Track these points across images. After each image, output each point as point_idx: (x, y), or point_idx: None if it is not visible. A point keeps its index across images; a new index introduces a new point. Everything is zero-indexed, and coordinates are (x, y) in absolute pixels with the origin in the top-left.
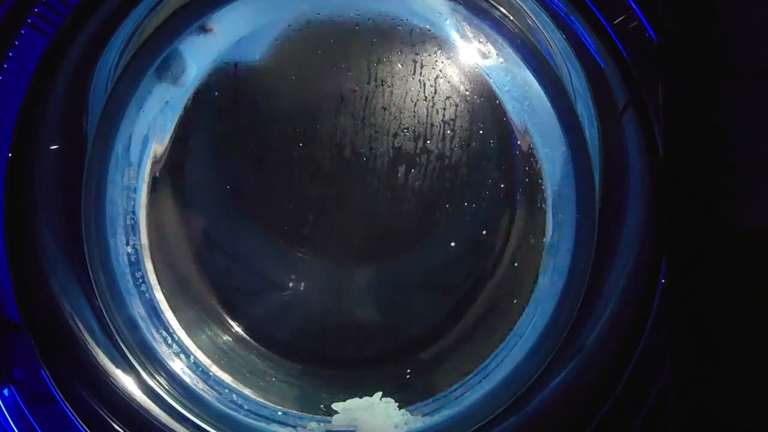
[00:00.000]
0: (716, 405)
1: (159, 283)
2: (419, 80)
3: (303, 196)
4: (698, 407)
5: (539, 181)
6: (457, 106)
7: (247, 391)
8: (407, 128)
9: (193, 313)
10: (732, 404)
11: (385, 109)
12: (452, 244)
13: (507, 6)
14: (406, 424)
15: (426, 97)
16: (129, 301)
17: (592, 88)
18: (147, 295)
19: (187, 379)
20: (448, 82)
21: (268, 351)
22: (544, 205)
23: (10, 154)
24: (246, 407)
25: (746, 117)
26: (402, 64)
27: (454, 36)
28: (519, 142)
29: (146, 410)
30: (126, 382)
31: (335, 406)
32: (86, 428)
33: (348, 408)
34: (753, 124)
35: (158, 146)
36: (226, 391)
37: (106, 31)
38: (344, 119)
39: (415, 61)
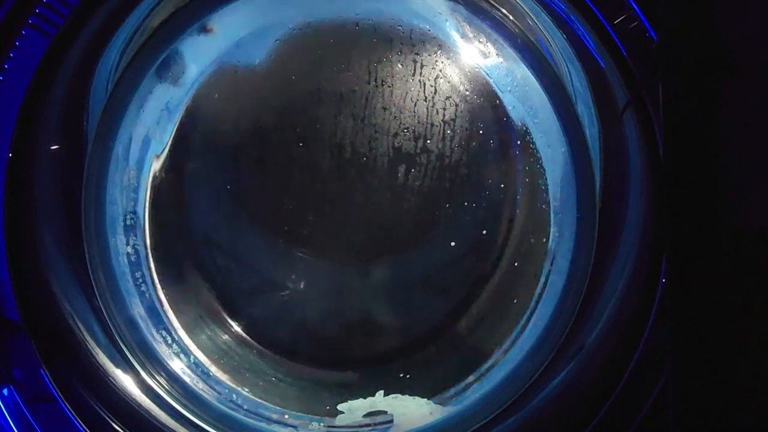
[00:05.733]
0: (716, 405)
1: (159, 283)
2: (419, 80)
3: (303, 196)
4: (698, 407)
5: (539, 181)
6: (457, 106)
7: (247, 391)
8: (407, 128)
9: (193, 313)
10: (732, 404)
11: (385, 109)
12: (452, 244)
13: (507, 6)
14: (431, 414)
15: (426, 97)
16: (129, 301)
17: (592, 88)
18: (147, 295)
19: (187, 379)
20: (448, 82)
21: (268, 351)
22: (544, 205)
23: (10, 154)
24: (246, 407)
25: (746, 116)
26: (402, 64)
27: (455, 36)
28: (519, 142)
29: (146, 410)
30: (126, 382)
31: (340, 406)
32: (86, 428)
33: (352, 408)
34: (753, 123)
35: (158, 146)
36: (226, 391)
37: (106, 31)
38: (344, 119)
39: (415, 61)
